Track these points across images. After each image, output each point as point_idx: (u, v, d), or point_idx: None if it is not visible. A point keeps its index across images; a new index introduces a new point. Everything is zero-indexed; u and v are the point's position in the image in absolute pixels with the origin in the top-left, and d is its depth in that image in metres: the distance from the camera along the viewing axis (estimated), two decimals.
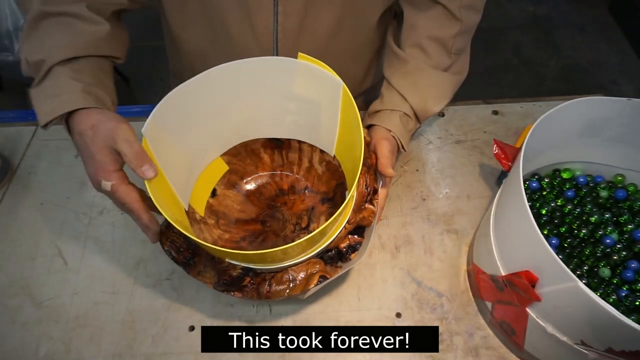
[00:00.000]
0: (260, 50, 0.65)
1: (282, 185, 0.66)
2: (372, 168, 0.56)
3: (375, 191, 0.55)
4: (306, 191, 0.65)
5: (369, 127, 0.64)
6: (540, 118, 0.50)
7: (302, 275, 0.51)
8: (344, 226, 0.52)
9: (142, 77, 2.05)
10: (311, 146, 0.63)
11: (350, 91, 0.49)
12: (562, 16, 2.23)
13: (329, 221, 0.44)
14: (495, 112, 0.80)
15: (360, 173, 0.48)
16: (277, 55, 0.66)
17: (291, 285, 0.51)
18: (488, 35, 2.14)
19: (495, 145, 0.59)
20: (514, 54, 2.07)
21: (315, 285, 0.50)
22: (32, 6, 0.52)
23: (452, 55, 0.62)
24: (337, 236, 0.52)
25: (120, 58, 0.58)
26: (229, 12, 0.61)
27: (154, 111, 0.48)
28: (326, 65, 0.51)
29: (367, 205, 0.54)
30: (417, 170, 0.73)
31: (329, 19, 0.63)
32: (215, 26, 0.63)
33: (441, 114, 0.80)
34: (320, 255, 0.53)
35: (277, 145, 0.65)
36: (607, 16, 2.21)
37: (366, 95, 0.83)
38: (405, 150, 0.63)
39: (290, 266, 0.51)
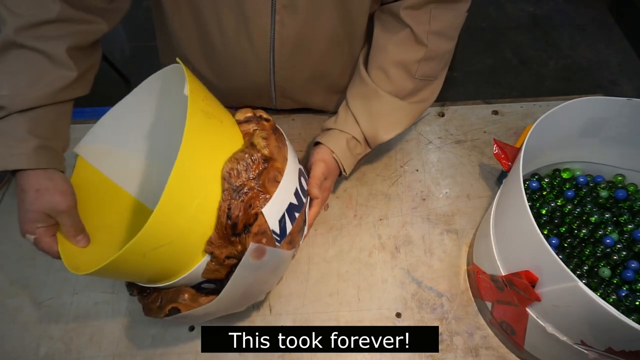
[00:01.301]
0: (257, 59, 0.65)
1: None
2: (250, 192, 0.44)
3: (249, 226, 0.45)
4: None
5: (316, 144, 0.64)
6: (540, 118, 0.50)
7: (167, 299, 0.48)
8: (209, 261, 0.45)
9: (142, 77, 2.04)
10: None
11: None
12: (562, 16, 2.23)
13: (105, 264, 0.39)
14: (495, 112, 0.80)
15: (223, 199, 0.43)
16: (273, 63, 0.66)
17: (158, 307, 0.49)
18: (488, 35, 2.14)
19: (495, 145, 0.59)
20: (514, 54, 2.07)
21: (167, 315, 0.47)
22: (4, 28, 0.49)
23: (415, 81, 0.62)
24: (205, 269, 0.46)
25: (84, 95, 0.56)
26: (225, 19, 0.61)
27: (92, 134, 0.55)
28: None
29: (243, 236, 0.45)
30: (417, 170, 0.73)
31: (327, 29, 0.63)
32: (212, 33, 0.63)
33: (441, 114, 0.80)
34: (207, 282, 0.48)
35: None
36: (607, 16, 2.21)
37: None
38: (346, 174, 0.63)
39: (166, 287, 0.48)
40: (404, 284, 0.62)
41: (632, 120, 0.54)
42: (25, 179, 0.48)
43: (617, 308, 0.51)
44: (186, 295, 0.47)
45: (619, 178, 0.61)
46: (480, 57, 2.05)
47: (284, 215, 0.47)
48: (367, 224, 0.68)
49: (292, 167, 0.50)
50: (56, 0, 0.50)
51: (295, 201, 0.49)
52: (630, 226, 0.57)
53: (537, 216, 0.61)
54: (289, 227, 0.48)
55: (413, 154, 0.75)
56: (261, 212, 0.45)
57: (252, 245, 0.43)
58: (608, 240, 0.56)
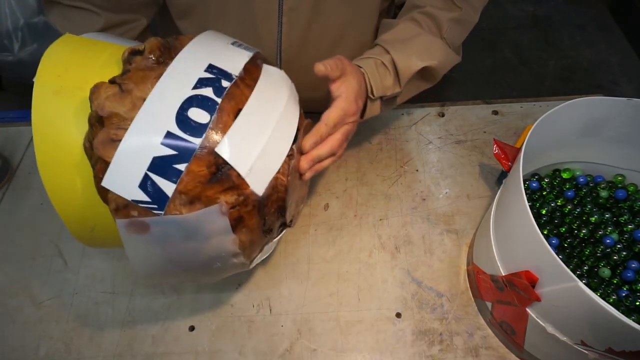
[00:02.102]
0: None
1: None
2: (97, 164, 0.38)
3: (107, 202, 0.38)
4: None
5: None
6: (540, 118, 0.50)
7: None
8: None
9: None
10: None
11: None
12: (562, 16, 2.23)
13: None
14: (495, 112, 0.80)
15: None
16: (280, 65, 0.65)
17: None
18: (488, 35, 2.14)
19: (495, 145, 0.59)
20: (514, 54, 2.07)
21: None
22: None
23: (443, 40, 0.61)
24: None
25: None
26: (233, 21, 0.61)
27: None
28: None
29: None
30: (417, 170, 0.73)
31: (334, 28, 0.62)
32: None
33: (441, 114, 0.80)
34: None
35: None
36: (607, 16, 2.21)
37: None
38: (374, 96, 0.57)
39: None
40: (404, 284, 0.62)
41: (632, 121, 0.54)
42: None
43: (617, 308, 0.51)
44: None
45: (619, 178, 0.61)
46: (480, 57, 2.05)
47: (146, 176, 0.37)
48: (367, 224, 0.68)
49: (156, 105, 0.38)
50: (100, 13, 0.57)
51: (167, 152, 0.37)
52: (630, 226, 0.57)
53: (537, 216, 0.61)
54: (168, 186, 0.37)
55: (413, 154, 0.75)
56: (102, 186, 0.37)
57: (120, 222, 0.38)
58: (608, 241, 0.56)
